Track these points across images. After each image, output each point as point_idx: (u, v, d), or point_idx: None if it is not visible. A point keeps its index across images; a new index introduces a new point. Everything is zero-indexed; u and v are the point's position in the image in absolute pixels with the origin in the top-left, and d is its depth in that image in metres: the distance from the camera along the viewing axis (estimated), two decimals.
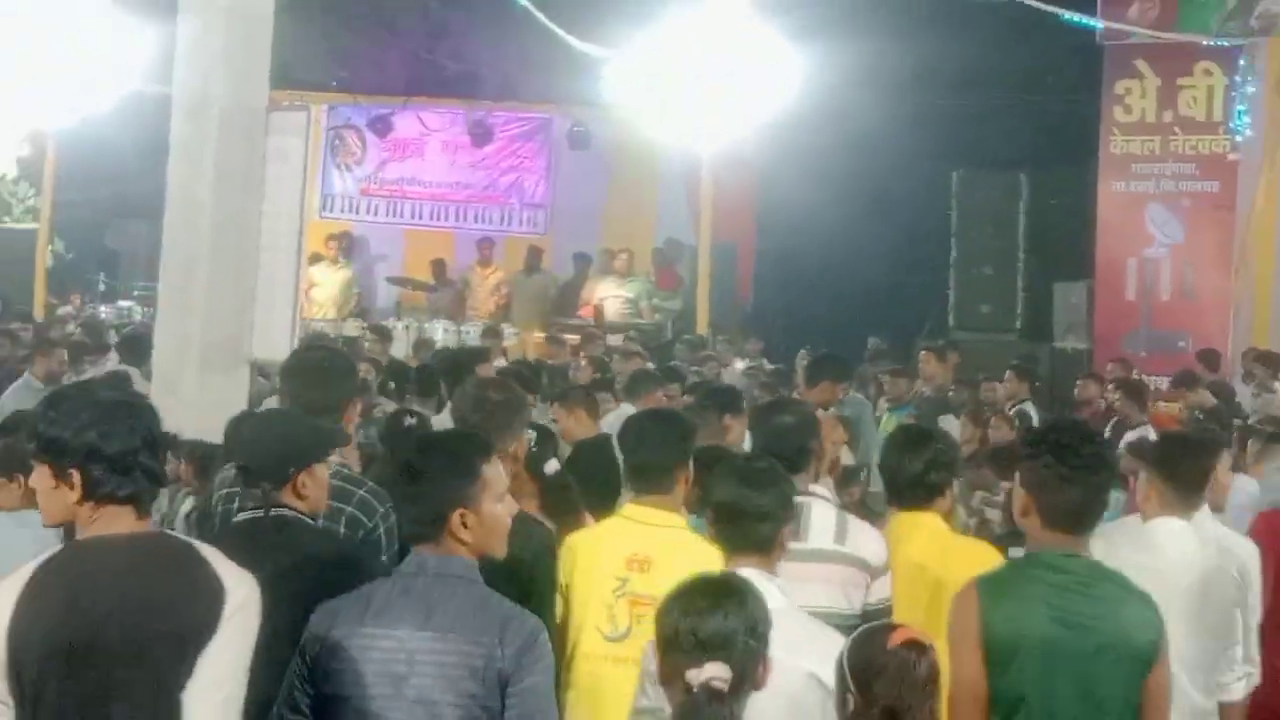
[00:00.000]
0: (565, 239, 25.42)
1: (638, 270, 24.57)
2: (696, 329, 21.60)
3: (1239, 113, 21.61)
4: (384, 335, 19.24)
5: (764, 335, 22.16)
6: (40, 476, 4.29)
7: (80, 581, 4.12)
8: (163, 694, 4.04)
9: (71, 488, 4.13)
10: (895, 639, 4.39)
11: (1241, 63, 21.62)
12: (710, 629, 4.32)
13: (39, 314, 21.23)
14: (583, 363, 16.75)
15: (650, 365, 16.18)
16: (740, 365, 18.52)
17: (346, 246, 24.70)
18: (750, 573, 4.96)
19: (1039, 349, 21.48)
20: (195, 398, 9.27)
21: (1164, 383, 18.25)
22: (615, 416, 10.74)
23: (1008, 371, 16.64)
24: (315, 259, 22.24)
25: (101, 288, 25.15)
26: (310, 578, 4.98)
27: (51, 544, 4.64)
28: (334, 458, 6.06)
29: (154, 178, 10.33)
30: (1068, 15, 20.04)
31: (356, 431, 7.74)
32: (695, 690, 4.32)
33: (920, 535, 6.69)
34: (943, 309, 23.69)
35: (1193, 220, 21.92)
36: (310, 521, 5.39)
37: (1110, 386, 16.74)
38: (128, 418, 4.22)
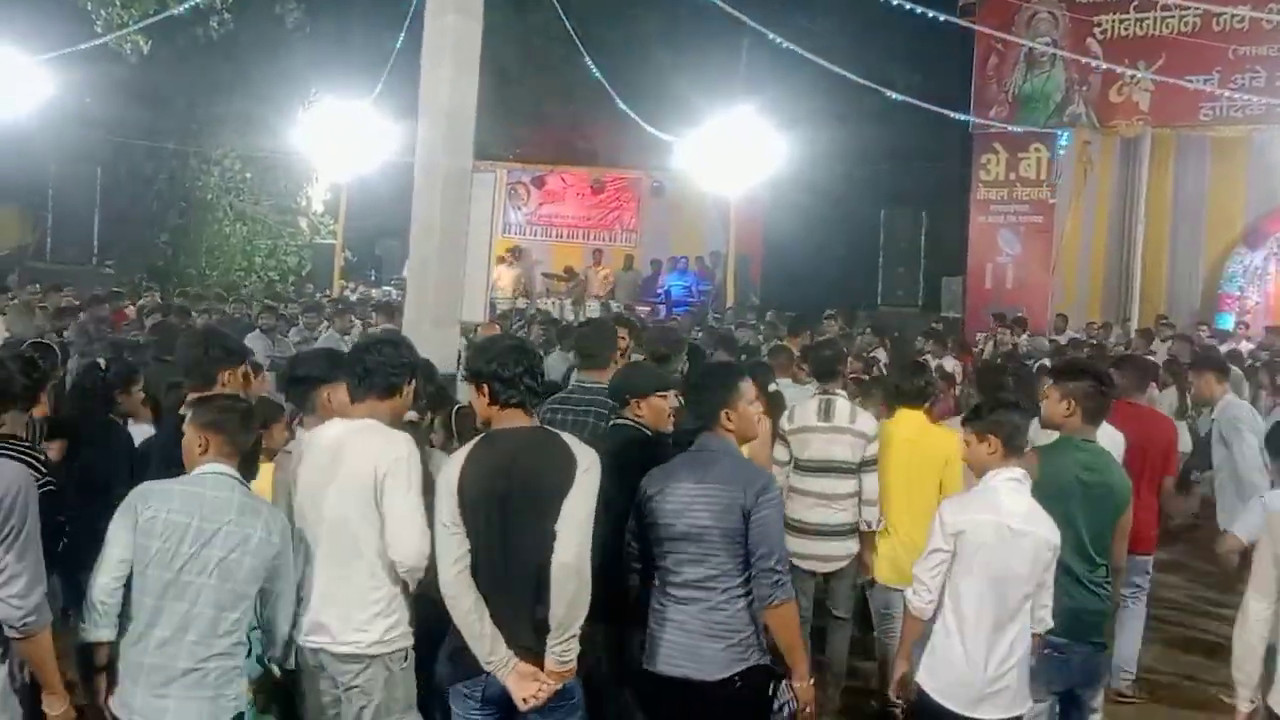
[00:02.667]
0: (647, 250, 25.65)
1: (690, 269, 24.84)
2: (726, 306, 21.58)
3: (1056, 173, 21.81)
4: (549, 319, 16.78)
5: (770, 309, 21.03)
6: (471, 391, 4.47)
7: (496, 455, 4.24)
8: (543, 524, 4.16)
9: (484, 396, 4.31)
10: None
11: (1059, 143, 21.73)
12: None
13: (336, 295, 20.94)
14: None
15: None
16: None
17: (517, 254, 24.54)
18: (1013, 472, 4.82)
19: (932, 318, 21.14)
20: (429, 341, 8.39)
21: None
22: None
23: (920, 336, 16.17)
24: (499, 261, 21.83)
25: (372, 278, 24.79)
26: (632, 456, 4.89)
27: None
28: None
29: (403, 212, 10.17)
30: (953, 115, 19.77)
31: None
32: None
33: (912, 422, 6.87)
34: (874, 293, 23.54)
35: (1026, 240, 22.04)
36: (636, 425, 5.18)
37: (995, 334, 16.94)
38: (515, 354, 4.31)
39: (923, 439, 6.78)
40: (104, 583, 4.07)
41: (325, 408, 4.95)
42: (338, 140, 20.16)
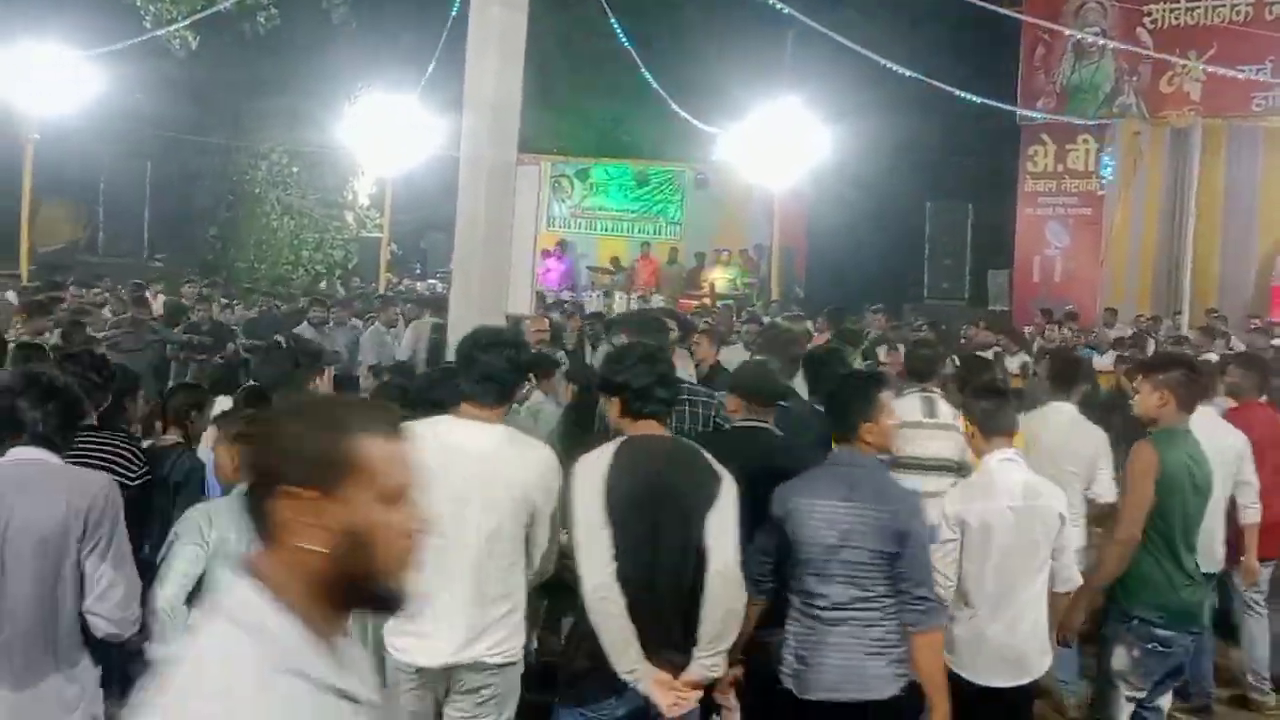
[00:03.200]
0: (692, 243, 25.53)
1: (734, 262, 24.56)
2: (771, 300, 21.33)
3: (1105, 165, 21.78)
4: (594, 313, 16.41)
5: (814, 302, 20.55)
6: (603, 401, 4.42)
7: (641, 463, 4.14)
8: (688, 536, 4.08)
9: (617, 408, 4.24)
10: None
11: (1106, 135, 21.69)
12: None
13: (382, 289, 21.09)
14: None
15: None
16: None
17: (562, 247, 24.81)
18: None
19: (978, 311, 21.21)
20: None
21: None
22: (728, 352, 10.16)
23: (972, 327, 16.59)
24: (544, 254, 21.97)
25: (418, 271, 25.20)
26: (766, 466, 4.69)
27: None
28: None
29: (448, 206, 9.83)
30: (1000, 106, 19.81)
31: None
32: None
33: None
34: (920, 286, 23.70)
35: (1074, 233, 22.25)
36: (766, 427, 5.12)
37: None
38: (647, 364, 4.22)
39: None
40: (169, 594, 3.97)
41: None
42: (383, 134, 20.20)
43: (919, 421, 6.67)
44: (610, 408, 4.29)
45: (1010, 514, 4.70)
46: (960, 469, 6.56)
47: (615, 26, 16.69)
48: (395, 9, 21.48)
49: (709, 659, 4.07)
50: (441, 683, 4.20)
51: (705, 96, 20.81)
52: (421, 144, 20.24)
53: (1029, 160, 22.66)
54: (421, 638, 4.11)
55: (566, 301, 19.90)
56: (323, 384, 7.05)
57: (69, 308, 12.65)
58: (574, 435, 5.85)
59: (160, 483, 5.20)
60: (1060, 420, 6.68)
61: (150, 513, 4.95)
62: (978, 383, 5.62)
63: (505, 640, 4.19)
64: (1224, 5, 20.12)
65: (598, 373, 4.80)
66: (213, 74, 21.62)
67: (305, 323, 13.86)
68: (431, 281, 22.78)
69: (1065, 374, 7.25)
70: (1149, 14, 21.13)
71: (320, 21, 21.67)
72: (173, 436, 5.83)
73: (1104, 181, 21.97)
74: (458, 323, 8.91)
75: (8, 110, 18.11)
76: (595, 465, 4.12)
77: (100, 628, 3.78)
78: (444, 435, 4.14)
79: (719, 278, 24.05)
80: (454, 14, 13.78)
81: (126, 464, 4.84)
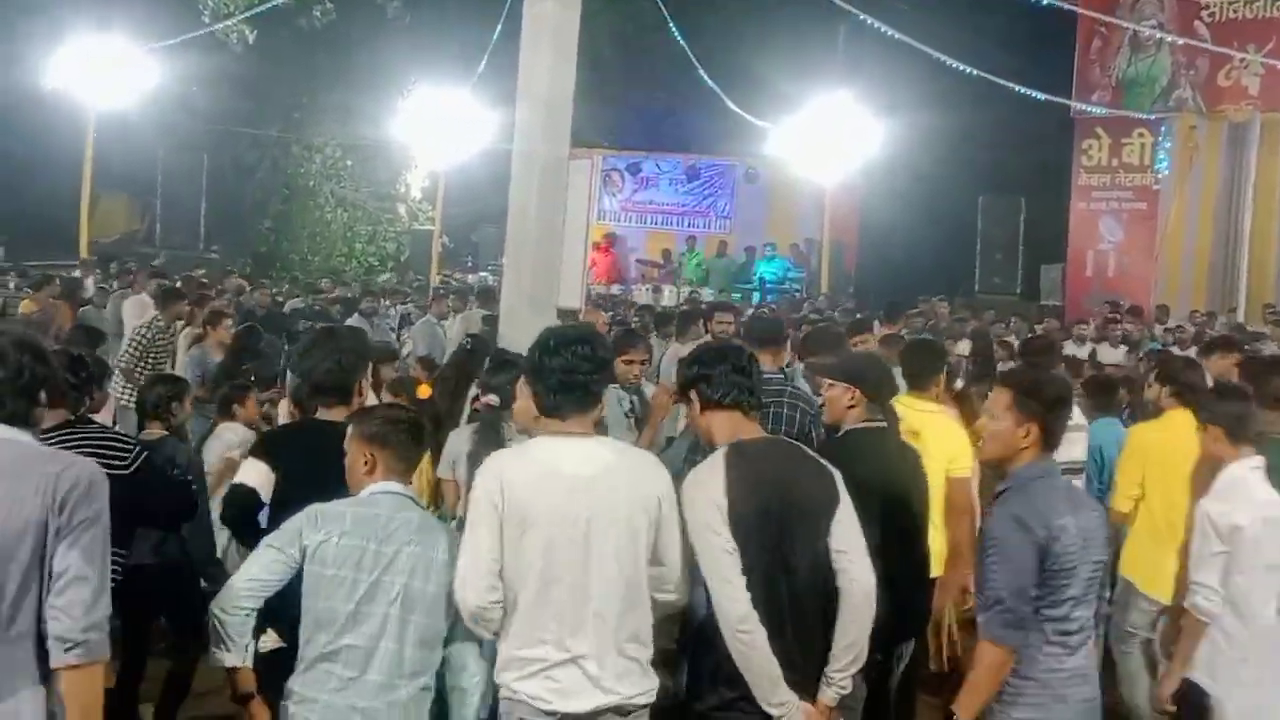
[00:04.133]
0: (741, 237, 25.36)
1: (779, 256, 24.48)
2: (821, 293, 21.50)
3: (1160, 160, 21.43)
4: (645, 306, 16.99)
5: (864, 297, 21.58)
6: (684, 406, 4.25)
7: (758, 469, 3.81)
8: (815, 544, 3.80)
9: (696, 403, 3.96)
10: None
11: (1162, 129, 21.33)
12: None
13: (434, 281, 20.73)
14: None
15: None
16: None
17: (611, 240, 24.82)
18: None
19: (1030, 305, 21.14)
20: (524, 327, 7.94)
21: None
22: None
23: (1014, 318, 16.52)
24: (595, 247, 21.06)
25: (469, 264, 24.95)
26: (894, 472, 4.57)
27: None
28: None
29: (500, 199, 9.87)
30: (1055, 99, 19.56)
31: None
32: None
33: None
34: (971, 280, 23.57)
35: (1129, 227, 21.92)
36: (884, 427, 4.80)
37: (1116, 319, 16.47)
38: (724, 360, 3.96)
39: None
40: (239, 602, 3.67)
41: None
42: (436, 128, 20.29)
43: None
44: (691, 409, 4.02)
45: (1275, 523, 4.50)
46: (1084, 470, 6.42)
47: (668, 20, 16.68)
48: (449, 4, 21.55)
49: (842, 676, 3.80)
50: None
51: (756, 90, 20.84)
52: (474, 138, 20.27)
53: (1083, 154, 22.42)
54: (555, 681, 3.61)
55: (615, 296, 20.09)
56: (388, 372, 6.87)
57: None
58: None
59: (158, 474, 5.01)
60: None
61: (143, 506, 4.74)
62: (1221, 385, 5.32)
63: (642, 679, 3.71)
64: None
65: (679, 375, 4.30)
66: (268, 68, 21.90)
67: (356, 314, 13.88)
68: (483, 274, 22.76)
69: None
70: (1207, 6, 20.87)
71: (375, 16, 21.83)
72: (157, 430, 5.66)
73: (1159, 176, 21.71)
74: (509, 315, 9.11)
75: (68, 103, 18.32)
76: (710, 479, 3.73)
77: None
78: (542, 461, 3.68)
79: (765, 271, 24.06)
80: (507, 9, 13.70)
81: (117, 453, 4.61)
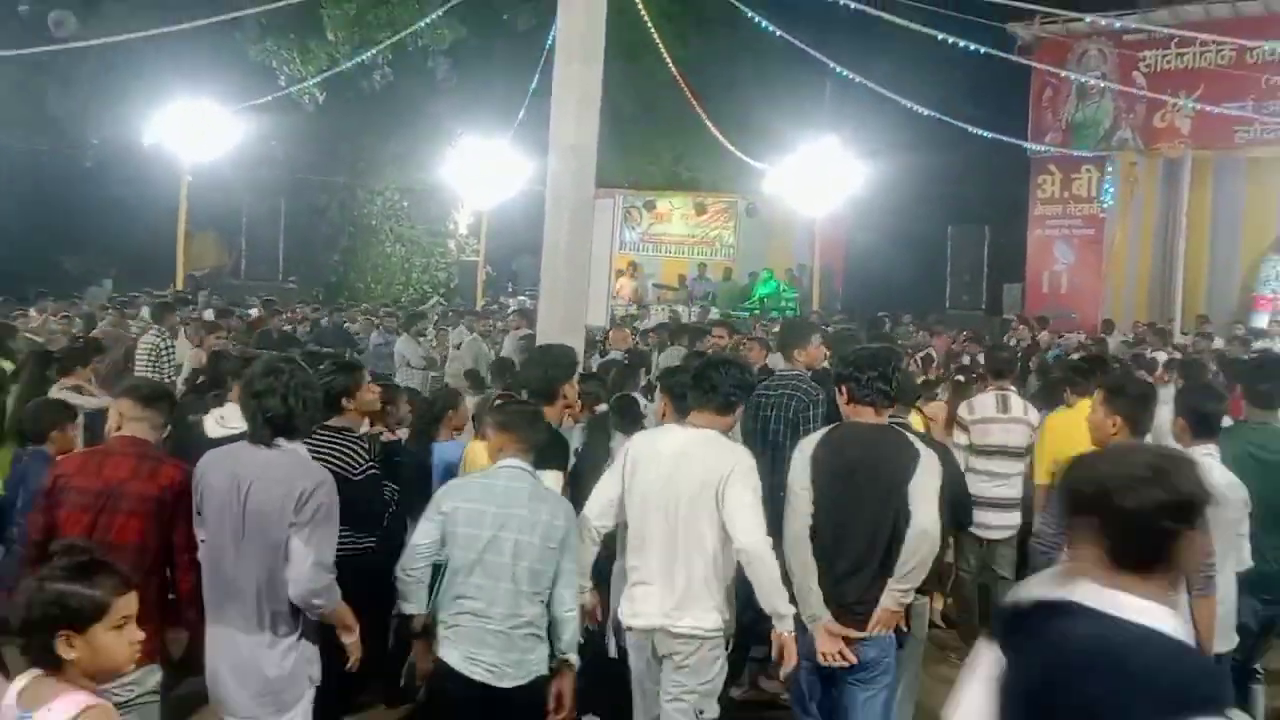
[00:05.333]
0: (744, 263, 25.21)
1: (772, 279, 23.87)
2: (812, 310, 21.21)
3: (1105, 192, 21.49)
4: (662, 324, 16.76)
5: (851, 314, 21.46)
6: (836, 392, 4.44)
7: (846, 440, 4.20)
8: (886, 499, 4.13)
9: (843, 396, 4.31)
10: None
11: (1107, 166, 21.40)
12: None
13: (479, 305, 21.19)
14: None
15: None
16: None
17: (633, 268, 24.39)
18: None
19: (994, 319, 21.12)
20: (559, 342, 7.97)
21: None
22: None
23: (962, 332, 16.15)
24: (618, 274, 21.86)
25: (509, 290, 24.89)
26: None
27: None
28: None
29: (535, 233, 10.08)
30: (1013, 141, 19.70)
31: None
32: None
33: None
34: (942, 298, 23.56)
35: (1079, 251, 21.90)
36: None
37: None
38: (869, 360, 4.25)
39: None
40: (407, 565, 4.08)
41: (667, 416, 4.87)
42: (479, 173, 20.28)
43: (993, 416, 6.72)
44: (840, 397, 4.33)
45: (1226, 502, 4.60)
46: (1028, 453, 6.62)
47: (678, 78, 16.57)
48: (489, 66, 21.44)
49: (900, 592, 4.13)
50: (648, 644, 4.23)
51: (755, 136, 20.66)
52: (512, 181, 20.20)
53: (1038, 188, 22.39)
54: (633, 602, 4.25)
55: (635, 315, 19.94)
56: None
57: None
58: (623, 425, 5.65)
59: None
60: None
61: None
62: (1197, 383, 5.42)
63: (691, 614, 4.14)
64: (1210, 50, 19.64)
65: (833, 370, 4.76)
66: (336, 124, 21.89)
67: (406, 334, 13.90)
68: (521, 298, 22.56)
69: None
70: (1144, 59, 20.78)
71: (426, 78, 21.74)
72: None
73: (1104, 206, 21.74)
74: (544, 333, 9.17)
75: (166, 156, 18.38)
76: (808, 443, 4.28)
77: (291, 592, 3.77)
78: (653, 439, 4.40)
79: (765, 293, 23.63)
80: (540, 70, 13.61)
81: (354, 458, 4.72)
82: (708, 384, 4.27)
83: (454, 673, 3.98)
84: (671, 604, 4.14)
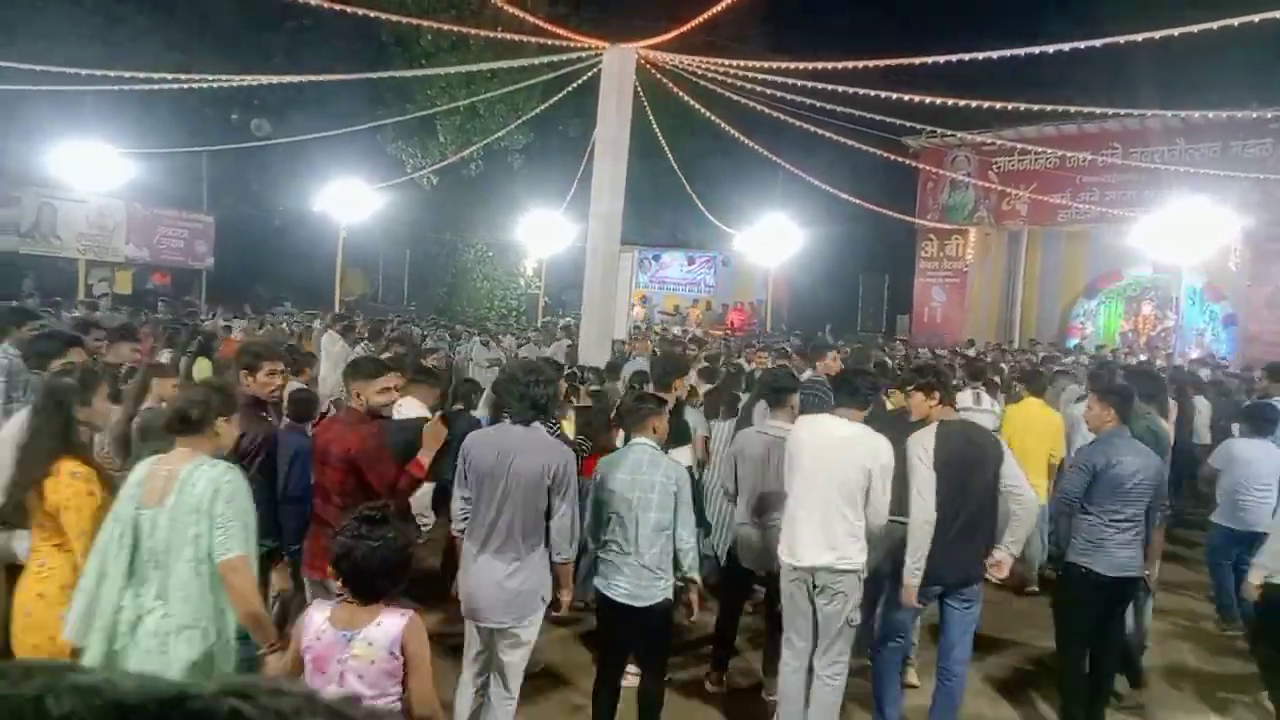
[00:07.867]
0: (721, 297, 25.42)
1: (745, 310, 24.35)
2: (766, 330, 21.13)
3: (968, 253, 21.18)
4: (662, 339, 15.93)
5: (791, 331, 19.95)
6: (911, 393, 4.04)
7: (955, 435, 3.80)
8: (988, 480, 3.76)
9: (931, 399, 3.91)
10: None
11: (970, 235, 21.15)
12: None
13: (539, 323, 19.64)
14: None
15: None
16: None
17: (644, 300, 24.64)
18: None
19: (891, 340, 20.01)
20: (593, 350, 8.77)
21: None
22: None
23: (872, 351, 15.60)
24: (634, 304, 21.97)
25: (560, 313, 23.21)
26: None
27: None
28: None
29: (578, 275, 9.91)
30: (904, 218, 19.33)
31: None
32: None
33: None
34: (854, 324, 23.57)
35: (949, 293, 21.53)
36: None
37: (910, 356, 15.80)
38: (950, 375, 3.96)
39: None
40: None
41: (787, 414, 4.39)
42: (541, 233, 20.00)
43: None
44: (930, 399, 3.97)
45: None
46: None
47: (676, 171, 16.67)
48: (549, 160, 21.55)
49: (1013, 545, 3.83)
50: (808, 579, 3.83)
51: (728, 209, 20.49)
52: (563, 239, 19.88)
53: (922, 249, 22.06)
54: (794, 545, 3.84)
55: (640, 327, 19.83)
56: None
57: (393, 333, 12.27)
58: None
59: None
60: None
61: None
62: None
63: (847, 554, 3.77)
64: (1042, 157, 19.48)
65: (913, 378, 4.29)
66: (444, 198, 21.77)
67: (477, 340, 13.08)
68: (568, 319, 21.66)
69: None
70: (996, 163, 20.58)
71: (506, 167, 21.88)
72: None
73: (967, 263, 21.51)
74: (584, 343, 9.32)
75: (328, 219, 18.38)
76: (925, 436, 3.83)
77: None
78: (814, 425, 3.92)
79: (736, 318, 23.60)
80: (585, 163, 13.67)
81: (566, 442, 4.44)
82: (849, 388, 3.89)
83: (604, 597, 3.69)
84: (828, 547, 3.76)
